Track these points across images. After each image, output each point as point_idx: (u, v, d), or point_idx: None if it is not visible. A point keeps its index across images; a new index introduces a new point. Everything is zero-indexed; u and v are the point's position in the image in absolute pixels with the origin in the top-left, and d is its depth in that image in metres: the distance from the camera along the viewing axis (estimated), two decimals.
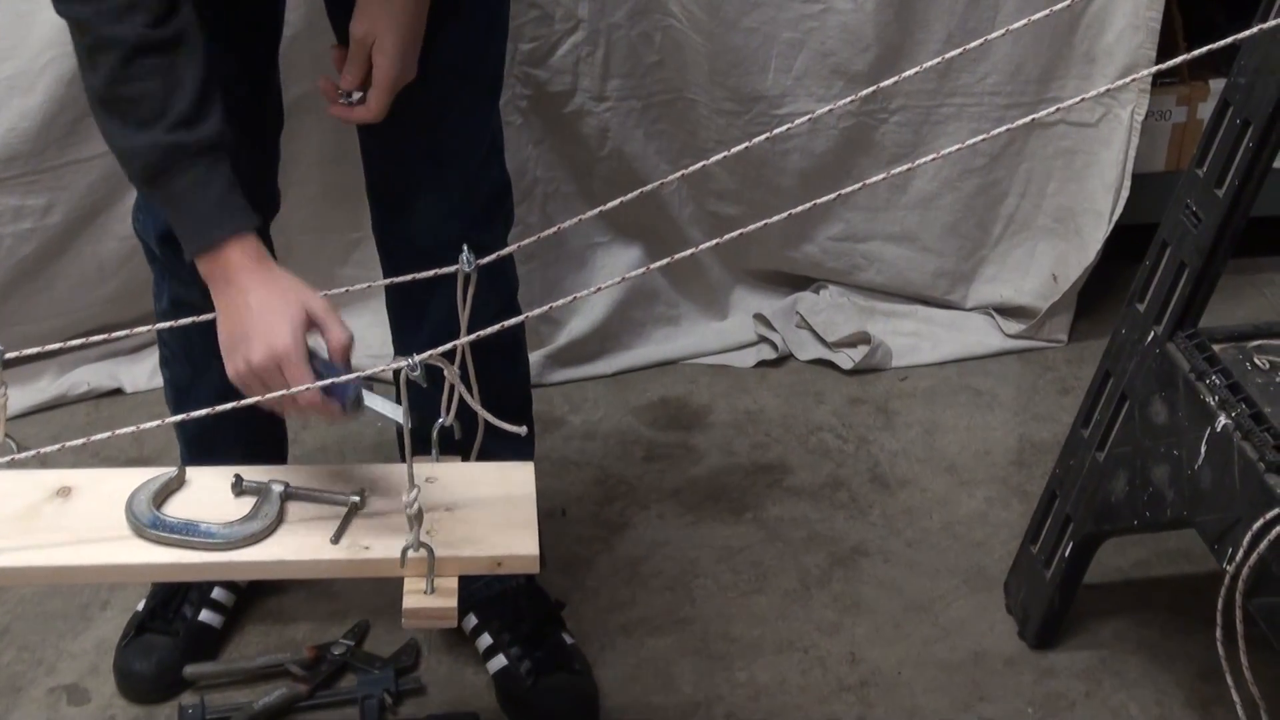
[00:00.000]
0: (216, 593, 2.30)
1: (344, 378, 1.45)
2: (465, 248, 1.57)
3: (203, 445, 2.15)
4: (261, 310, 1.50)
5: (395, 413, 1.45)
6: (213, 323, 1.49)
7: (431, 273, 1.53)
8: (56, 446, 1.36)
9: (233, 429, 2.01)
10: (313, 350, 1.50)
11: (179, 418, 1.34)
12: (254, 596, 2.37)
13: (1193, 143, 2.91)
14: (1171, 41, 2.88)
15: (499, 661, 2.23)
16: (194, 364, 2.15)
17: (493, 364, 2.19)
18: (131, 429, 1.38)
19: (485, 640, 2.25)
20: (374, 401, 1.48)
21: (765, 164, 2.89)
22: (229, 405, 1.34)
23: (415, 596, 1.40)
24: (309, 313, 1.51)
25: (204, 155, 1.54)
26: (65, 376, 2.89)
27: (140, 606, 2.28)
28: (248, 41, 1.95)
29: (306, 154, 2.69)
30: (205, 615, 2.28)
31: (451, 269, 1.53)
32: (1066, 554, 2.19)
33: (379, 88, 1.83)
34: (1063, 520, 2.19)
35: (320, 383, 1.42)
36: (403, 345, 2.21)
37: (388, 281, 1.64)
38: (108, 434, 1.37)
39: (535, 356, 2.93)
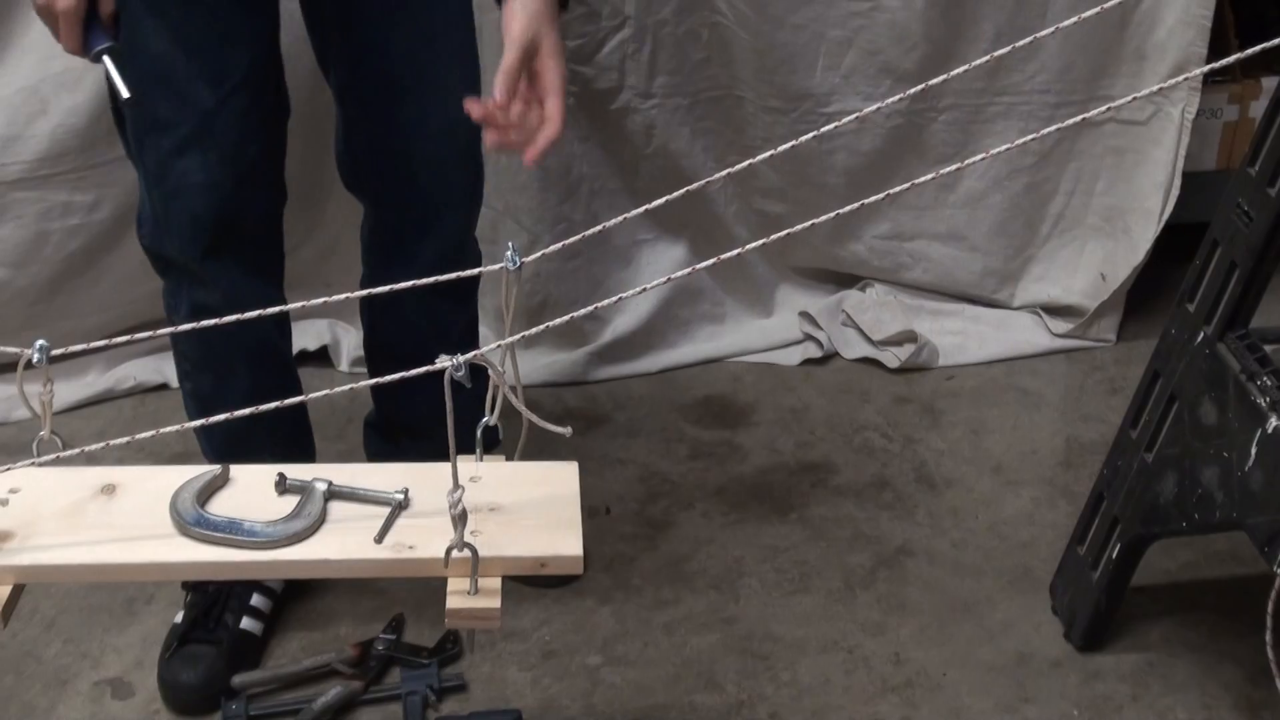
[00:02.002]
0: (255, 600, 2.30)
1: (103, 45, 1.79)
2: (511, 245, 1.56)
3: (230, 457, 2.16)
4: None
5: (122, 88, 1.78)
6: (235, 326, 1.48)
7: (475, 271, 1.52)
8: (101, 445, 1.35)
9: (265, 438, 2.02)
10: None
11: (221, 417, 1.33)
12: (290, 601, 2.37)
13: (1244, 141, 2.90)
14: (1223, 39, 2.85)
15: None
16: (217, 371, 2.16)
17: (442, 307, 2.20)
18: (175, 428, 1.38)
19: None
20: (113, 70, 1.79)
21: (811, 162, 2.88)
22: (269, 406, 1.33)
23: (459, 597, 1.39)
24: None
25: None
26: (112, 371, 2.91)
27: (178, 619, 2.28)
28: (251, 32, 1.95)
29: None
30: (246, 623, 2.28)
31: (496, 267, 1.52)
32: (1114, 556, 2.17)
33: (556, 93, 1.74)
34: (1110, 521, 2.18)
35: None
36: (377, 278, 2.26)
37: (429, 281, 1.62)
38: (151, 432, 1.37)
39: (579, 354, 2.93)
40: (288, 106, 2.10)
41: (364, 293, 1.52)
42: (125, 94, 1.80)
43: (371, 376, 2.31)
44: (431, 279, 1.45)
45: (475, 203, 2.20)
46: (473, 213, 2.21)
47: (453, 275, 1.44)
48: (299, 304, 1.49)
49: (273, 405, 1.33)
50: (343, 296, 1.48)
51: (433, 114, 2.05)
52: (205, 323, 1.46)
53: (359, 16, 2.01)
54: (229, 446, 2.15)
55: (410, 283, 1.40)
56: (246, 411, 1.32)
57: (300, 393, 1.41)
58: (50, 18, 1.78)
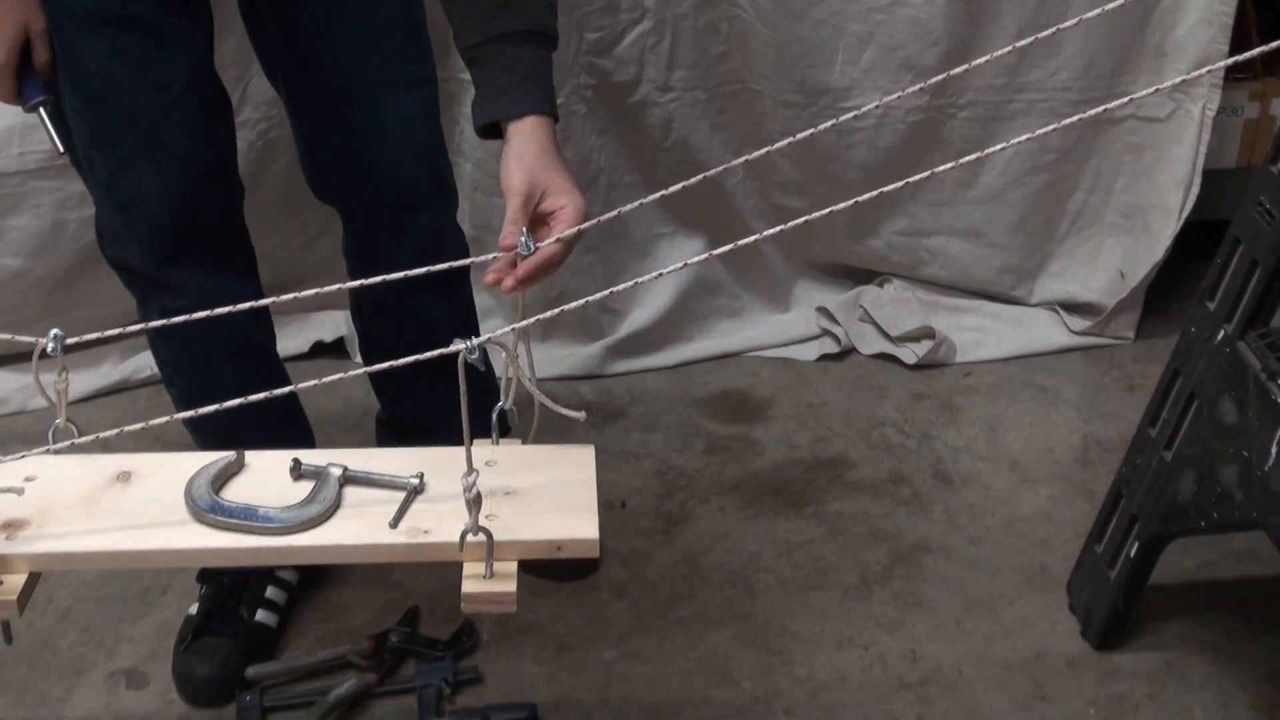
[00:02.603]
0: (270, 592, 2.30)
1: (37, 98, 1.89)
2: (524, 230, 1.56)
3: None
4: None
5: (56, 143, 1.91)
6: (212, 324, 1.47)
7: (489, 256, 1.52)
8: (115, 431, 1.35)
9: (256, 430, 2.01)
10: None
11: (233, 403, 1.33)
12: (305, 594, 2.38)
13: (1265, 138, 2.89)
14: (1245, 36, 2.84)
15: None
16: (200, 372, 2.16)
17: (432, 303, 2.20)
18: (189, 414, 1.38)
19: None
20: (47, 122, 1.90)
21: (830, 157, 2.87)
22: (271, 392, 1.33)
23: (474, 581, 1.39)
24: (32, 28, 1.83)
25: None
26: (128, 361, 2.92)
27: (193, 610, 2.29)
28: (187, 38, 1.95)
29: None
30: (261, 615, 2.28)
31: (509, 254, 1.52)
32: (1131, 554, 2.16)
33: (566, 225, 1.66)
34: (1128, 520, 2.17)
35: None
36: (363, 292, 2.24)
37: (445, 266, 1.61)
38: (165, 419, 1.37)
39: (596, 347, 2.92)
40: (229, 101, 2.08)
41: (341, 286, 1.51)
42: (60, 148, 1.93)
43: (372, 377, 2.32)
44: (418, 270, 1.46)
45: (446, 197, 2.17)
46: (445, 208, 2.18)
47: (475, 258, 1.44)
48: (271, 300, 1.50)
49: (261, 395, 1.32)
50: (313, 292, 1.48)
51: (389, 118, 2.03)
52: (177, 319, 1.46)
53: (302, 30, 1.98)
54: (223, 443, 2.15)
55: (381, 277, 1.41)
56: (236, 402, 1.32)
57: (287, 383, 1.39)
58: None
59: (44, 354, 1.39)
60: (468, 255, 2.19)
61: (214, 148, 2.04)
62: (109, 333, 1.50)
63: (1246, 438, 1.89)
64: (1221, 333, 1.97)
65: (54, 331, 1.39)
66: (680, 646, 2.29)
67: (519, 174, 1.65)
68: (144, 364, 2.91)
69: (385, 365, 1.33)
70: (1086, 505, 2.51)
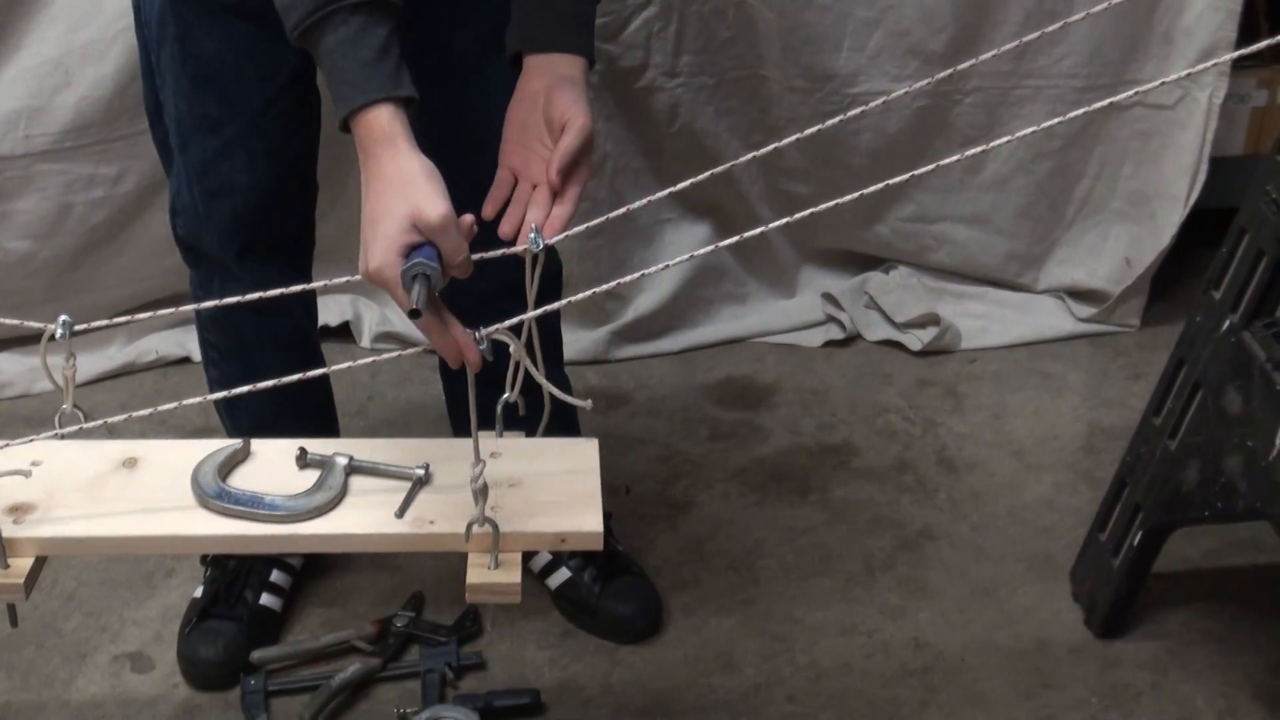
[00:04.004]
0: (275, 576, 2.31)
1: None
2: (534, 226, 1.56)
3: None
4: (376, 213, 1.45)
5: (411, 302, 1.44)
6: (265, 316, 1.47)
7: (499, 252, 1.51)
8: (123, 416, 1.36)
9: (290, 421, 2.02)
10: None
11: (244, 389, 1.34)
12: (310, 578, 2.38)
13: (1273, 126, 2.88)
14: (1253, 23, 2.83)
15: (562, 575, 2.29)
16: (247, 361, 2.16)
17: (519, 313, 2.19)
18: (198, 399, 1.39)
19: (544, 558, 2.30)
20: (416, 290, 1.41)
21: (837, 143, 2.86)
22: (294, 377, 1.33)
23: (479, 571, 1.39)
24: (420, 225, 1.42)
25: (359, 11, 1.47)
26: (134, 344, 2.92)
27: (198, 593, 2.29)
28: None
29: None
30: (266, 599, 2.28)
31: (520, 249, 1.52)
32: (1135, 543, 2.16)
33: (577, 190, 1.64)
34: (1132, 509, 2.17)
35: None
36: (452, 302, 2.22)
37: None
38: (174, 404, 1.38)
39: (601, 332, 2.93)
40: (321, 101, 2.09)
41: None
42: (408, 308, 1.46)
43: (446, 390, 2.31)
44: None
45: None
46: None
47: (490, 254, 1.43)
48: (327, 282, 1.49)
49: (295, 377, 1.33)
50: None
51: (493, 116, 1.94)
52: (230, 300, 1.46)
53: (418, 32, 1.95)
54: (255, 432, 2.15)
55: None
56: (273, 383, 1.33)
57: (328, 382, 1.40)
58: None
59: (51, 339, 1.39)
60: (559, 262, 2.19)
61: (304, 146, 2.05)
62: (118, 320, 1.50)
63: (1251, 428, 1.89)
64: (1227, 322, 1.97)
65: (62, 318, 1.40)
66: (683, 633, 2.29)
67: (588, 111, 1.64)
68: (150, 347, 2.91)
69: (407, 350, 1.33)
70: (1090, 493, 2.51)
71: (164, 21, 1.91)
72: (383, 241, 1.42)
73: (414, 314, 1.36)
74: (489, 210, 1.63)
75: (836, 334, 3.02)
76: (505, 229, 1.60)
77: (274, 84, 1.94)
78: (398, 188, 1.44)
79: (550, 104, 1.65)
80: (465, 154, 1.76)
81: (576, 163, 1.64)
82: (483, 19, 1.96)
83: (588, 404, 1.49)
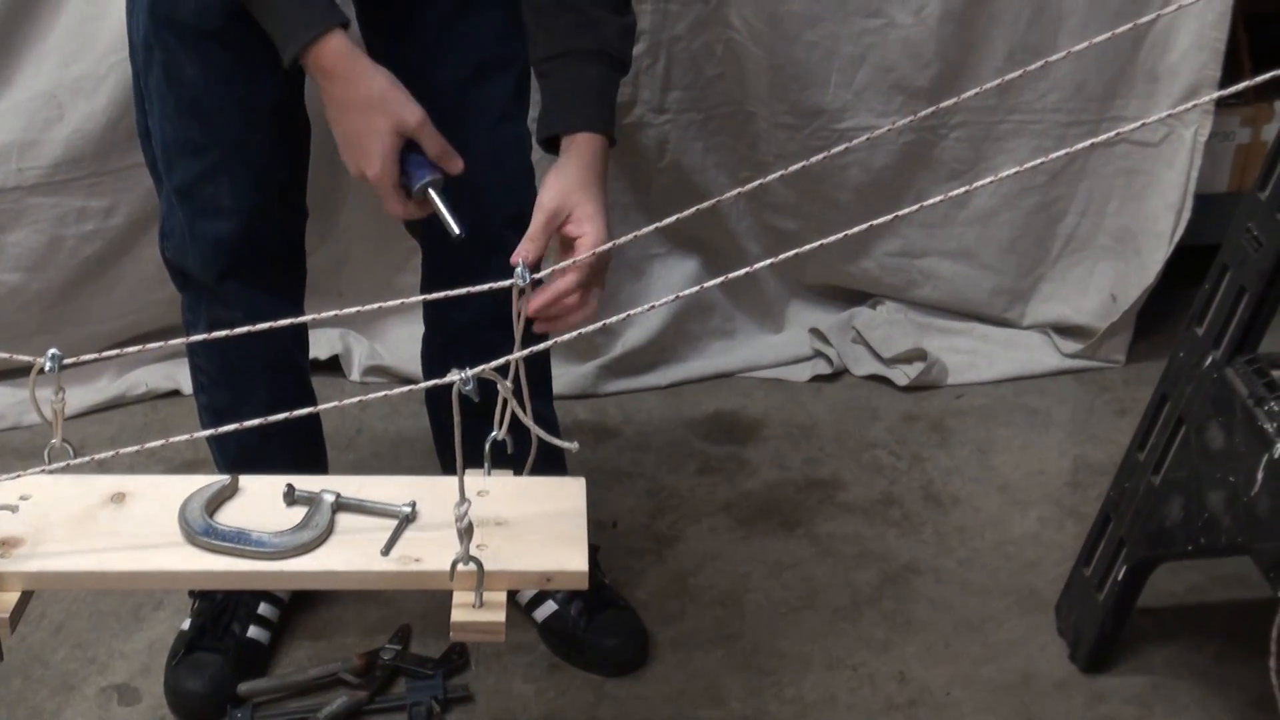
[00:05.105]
0: (262, 608, 2.31)
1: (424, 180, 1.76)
2: (521, 262, 1.57)
3: (244, 471, 2.16)
4: (356, 128, 1.71)
5: (451, 222, 1.74)
6: (255, 341, 1.49)
7: (486, 287, 1.52)
8: (111, 453, 1.36)
9: (279, 452, 2.03)
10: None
11: (233, 427, 1.34)
12: (297, 611, 2.38)
13: (1257, 163, 2.89)
14: (1236, 61, 2.85)
15: (549, 608, 2.30)
16: (235, 387, 2.17)
17: (506, 347, 2.19)
18: (186, 436, 1.39)
19: (531, 590, 2.29)
20: (438, 202, 1.75)
21: (824, 178, 2.88)
22: (280, 416, 1.34)
23: (464, 610, 1.40)
24: (402, 130, 1.73)
25: None
26: (124, 377, 2.92)
27: (186, 625, 2.29)
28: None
29: None
30: (253, 631, 2.28)
31: (507, 283, 1.53)
32: (1120, 578, 2.17)
33: (587, 265, 1.67)
34: (1117, 543, 2.18)
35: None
36: (436, 332, 2.25)
37: (439, 296, 1.62)
38: (162, 442, 1.38)
39: (589, 366, 2.94)
40: (309, 125, 2.10)
41: (395, 302, 1.52)
42: (455, 229, 1.75)
43: (434, 427, 2.32)
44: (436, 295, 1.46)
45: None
46: None
47: (458, 292, 1.44)
48: (316, 315, 1.50)
49: (282, 416, 1.33)
50: (394, 302, 1.48)
51: (479, 147, 1.95)
52: (220, 334, 1.47)
53: (405, 62, 1.96)
54: (243, 462, 2.15)
55: (456, 292, 1.42)
56: (259, 421, 1.33)
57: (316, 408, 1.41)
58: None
59: (40, 371, 1.40)
60: None
61: (290, 172, 2.07)
62: (107, 353, 1.50)
63: (1233, 463, 1.90)
64: (1209, 358, 1.98)
65: (52, 351, 1.40)
66: (669, 667, 2.29)
67: (552, 190, 1.70)
68: (140, 380, 2.92)
69: (401, 389, 1.34)
70: (1076, 528, 2.52)
71: (149, 47, 1.94)
72: (379, 153, 1.72)
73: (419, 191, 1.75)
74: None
75: (824, 369, 3.03)
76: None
77: (257, 111, 1.96)
78: (374, 105, 1.72)
79: (570, 216, 1.71)
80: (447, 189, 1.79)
81: (566, 239, 1.70)
82: (463, 56, 1.98)
83: (574, 446, 1.49)
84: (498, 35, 2.00)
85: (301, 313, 2.15)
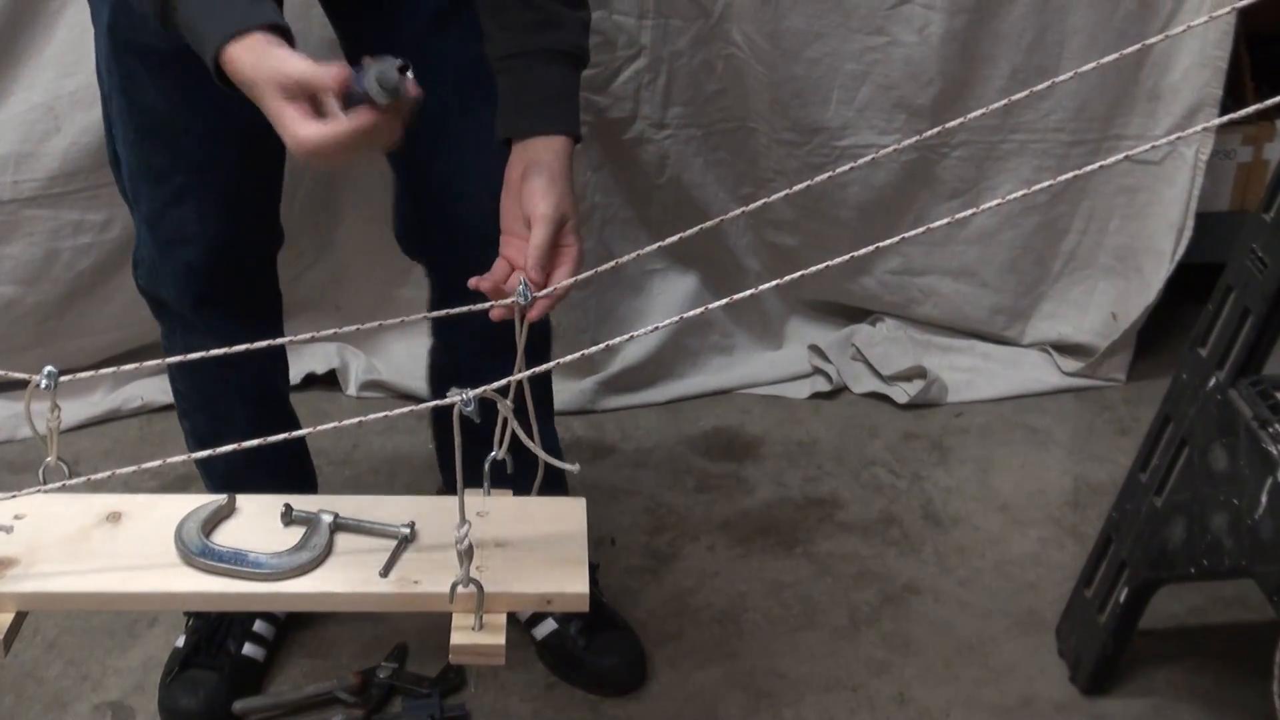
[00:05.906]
0: (258, 626, 2.30)
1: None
2: (522, 280, 1.56)
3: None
4: (277, 120, 1.44)
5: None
6: (231, 366, 1.46)
7: (488, 305, 1.51)
8: (107, 474, 1.35)
9: (265, 477, 2.01)
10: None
11: (223, 450, 1.32)
12: (293, 628, 2.37)
13: (1259, 182, 2.90)
14: (1239, 80, 2.85)
15: (548, 626, 2.29)
16: (216, 414, 2.16)
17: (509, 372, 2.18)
18: (179, 458, 1.38)
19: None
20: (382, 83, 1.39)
21: (824, 195, 2.87)
22: (269, 439, 1.32)
23: (463, 633, 1.39)
24: (302, 86, 1.41)
25: None
26: (119, 391, 2.91)
27: (180, 643, 2.28)
28: None
29: (366, 178, 2.69)
30: (248, 649, 2.27)
31: (508, 301, 1.52)
32: (1121, 599, 2.16)
33: (572, 265, 1.64)
34: (1118, 565, 2.17)
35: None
36: (443, 344, 2.23)
37: (442, 314, 1.61)
38: (158, 462, 1.37)
39: (588, 383, 2.93)
40: (284, 150, 2.07)
41: (366, 325, 1.50)
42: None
43: (437, 443, 2.30)
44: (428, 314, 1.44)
45: None
46: None
47: (456, 310, 1.43)
48: (292, 339, 1.49)
49: (281, 436, 1.32)
50: (395, 320, 1.47)
51: (471, 172, 1.92)
52: (196, 355, 1.45)
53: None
54: (230, 487, 2.14)
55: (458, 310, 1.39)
56: (245, 445, 1.32)
57: (298, 430, 1.39)
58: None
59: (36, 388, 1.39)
60: (549, 324, 2.14)
61: (260, 196, 2.03)
62: (103, 370, 1.50)
63: (1237, 486, 1.89)
64: (1213, 380, 1.97)
65: (48, 369, 1.39)
66: (667, 686, 2.28)
67: (549, 200, 1.63)
68: (135, 394, 2.90)
69: (403, 410, 1.32)
70: (1076, 548, 2.51)
71: (110, 72, 1.89)
72: (292, 117, 1.43)
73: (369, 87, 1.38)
74: (478, 284, 1.60)
75: (823, 386, 3.02)
76: (496, 314, 1.58)
77: (221, 135, 1.89)
78: (274, 86, 1.43)
79: (522, 196, 1.65)
80: None
81: (557, 246, 1.64)
82: (441, 81, 1.96)
83: (575, 468, 1.48)
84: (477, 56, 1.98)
85: (279, 334, 2.13)
